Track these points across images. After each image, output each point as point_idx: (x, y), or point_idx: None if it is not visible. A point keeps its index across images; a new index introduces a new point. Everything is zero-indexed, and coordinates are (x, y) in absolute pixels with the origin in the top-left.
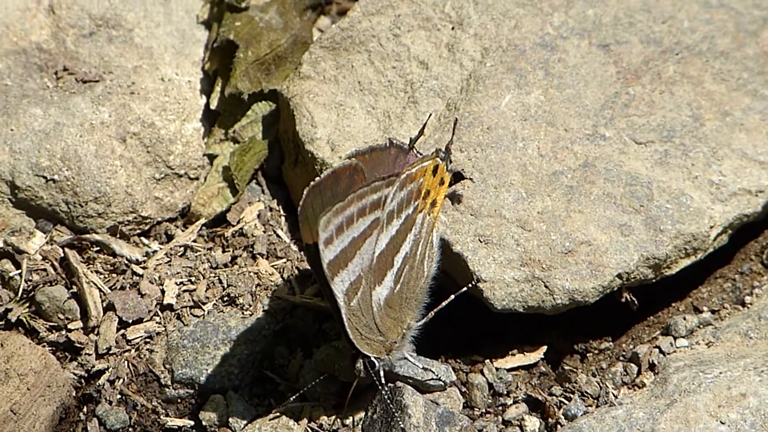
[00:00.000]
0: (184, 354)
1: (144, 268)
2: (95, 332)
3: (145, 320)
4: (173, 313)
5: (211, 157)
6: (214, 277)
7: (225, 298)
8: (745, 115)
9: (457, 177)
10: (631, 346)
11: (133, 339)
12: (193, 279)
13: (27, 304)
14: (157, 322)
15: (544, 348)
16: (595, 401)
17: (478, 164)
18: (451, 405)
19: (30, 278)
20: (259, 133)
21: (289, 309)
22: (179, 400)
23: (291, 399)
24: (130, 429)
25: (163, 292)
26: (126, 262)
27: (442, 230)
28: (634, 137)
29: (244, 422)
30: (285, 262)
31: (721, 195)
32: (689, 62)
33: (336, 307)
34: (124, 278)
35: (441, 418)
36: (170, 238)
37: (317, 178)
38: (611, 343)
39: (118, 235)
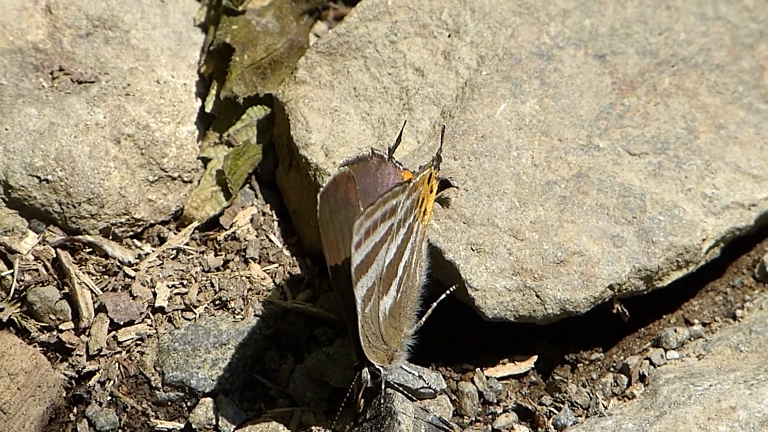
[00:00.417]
0: (175, 357)
1: (136, 270)
2: (86, 333)
3: (136, 322)
4: (164, 316)
5: (205, 161)
6: (206, 280)
7: (217, 302)
8: (740, 129)
9: (445, 184)
10: (622, 358)
11: (124, 341)
12: (185, 282)
13: (18, 304)
14: (148, 325)
15: (535, 357)
16: (585, 411)
17: (471, 172)
18: (441, 413)
19: (22, 278)
20: (253, 137)
21: (281, 314)
22: (169, 403)
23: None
24: (120, 431)
25: (154, 294)
26: (118, 263)
27: (434, 238)
28: (628, 148)
29: (234, 426)
30: (277, 267)
31: (714, 208)
32: (685, 74)
33: (353, 314)
34: (116, 280)
35: (431, 426)
36: (163, 240)
37: (323, 186)
38: (602, 354)
39: (110, 237)
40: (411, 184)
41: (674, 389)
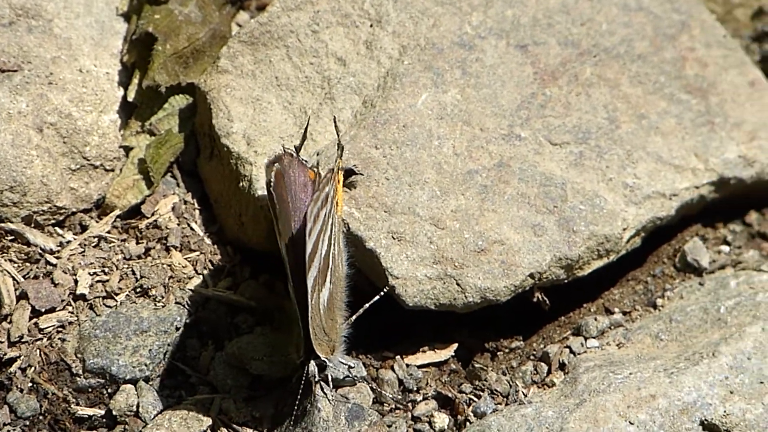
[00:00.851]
0: (96, 344)
1: (58, 257)
2: (8, 320)
3: (57, 309)
4: (86, 303)
5: (127, 149)
6: (128, 268)
7: (138, 290)
8: (661, 119)
9: (349, 173)
10: (542, 346)
11: (46, 328)
12: (106, 270)
13: None
14: (69, 312)
15: (455, 345)
16: (505, 399)
17: (393, 161)
18: (360, 400)
19: None
20: (175, 126)
21: (202, 302)
22: (90, 390)
23: None
24: (41, 417)
25: (76, 282)
26: (40, 251)
27: (355, 226)
28: (549, 138)
29: (155, 412)
30: (198, 255)
31: (635, 197)
32: (606, 65)
33: (304, 305)
34: (37, 267)
35: (350, 413)
36: (84, 228)
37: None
38: (522, 342)
39: (32, 225)
40: (331, 174)
41: (594, 377)
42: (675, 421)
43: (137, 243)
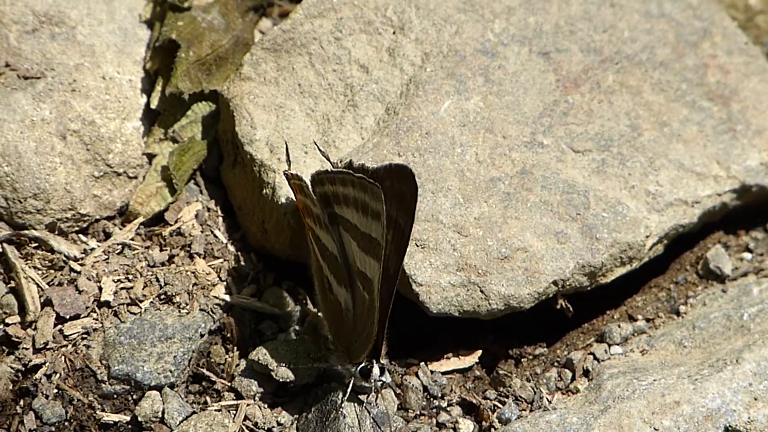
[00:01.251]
0: (121, 350)
1: (82, 264)
2: (33, 327)
3: (82, 316)
4: (110, 310)
5: (150, 157)
6: (152, 275)
7: (162, 297)
8: (683, 126)
9: None
10: (566, 353)
11: (71, 334)
12: (130, 277)
13: None
14: (94, 319)
15: (479, 352)
16: (529, 406)
17: (416, 169)
18: (385, 406)
19: None
20: (198, 133)
21: (226, 308)
22: (115, 396)
23: None
24: (67, 423)
25: (100, 289)
26: (64, 258)
27: None
28: (571, 145)
29: (180, 419)
30: (222, 262)
31: (658, 205)
32: (629, 72)
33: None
34: (62, 274)
35: (376, 419)
36: (108, 235)
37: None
38: (546, 349)
39: (56, 232)
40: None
41: (618, 384)
42: (699, 428)
43: (161, 250)
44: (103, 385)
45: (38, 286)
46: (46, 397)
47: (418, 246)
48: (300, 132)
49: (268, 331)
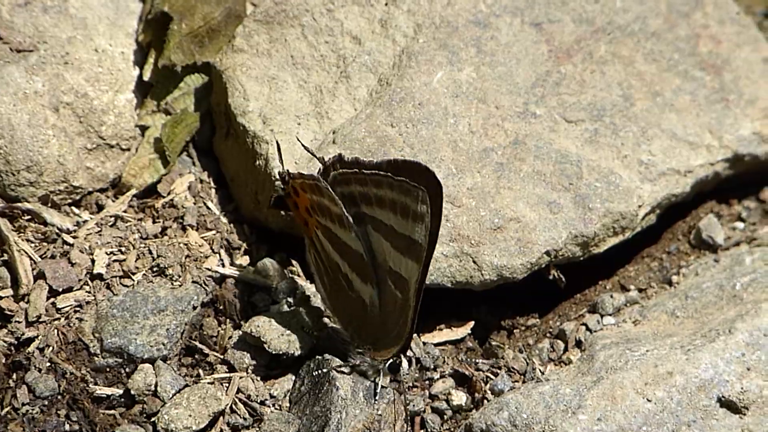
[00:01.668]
0: (114, 323)
1: (75, 237)
2: (25, 300)
3: (75, 289)
4: (103, 283)
5: (143, 129)
6: (144, 247)
7: (155, 269)
8: (676, 96)
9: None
10: (558, 323)
11: (63, 307)
12: (123, 249)
13: None
14: (86, 291)
15: (472, 323)
16: (522, 377)
17: (409, 139)
18: (378, 378)
19: None
20: (191, 105)
21: (219, 280)
22: (108, 369)
23: None
24: (59, 397)
25: (93, 261)
26: (57, 231)
27: None
28: (564, 116)
29: (173, 391)
30: (214, 234)
31: (650, 174)
32: (621, 42)
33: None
34: (54, 247)
35: (369, 391)
36: (101, 208)
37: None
38: (538, 320)
39: (49, 204)
40: None
41: (611, 354)
42: (692, 398)
43: (154, 222)
44: (96, 358)
45: (31, 258)
46: (39, 370)
47: None
48: (293, 103)
49: (261, 303)
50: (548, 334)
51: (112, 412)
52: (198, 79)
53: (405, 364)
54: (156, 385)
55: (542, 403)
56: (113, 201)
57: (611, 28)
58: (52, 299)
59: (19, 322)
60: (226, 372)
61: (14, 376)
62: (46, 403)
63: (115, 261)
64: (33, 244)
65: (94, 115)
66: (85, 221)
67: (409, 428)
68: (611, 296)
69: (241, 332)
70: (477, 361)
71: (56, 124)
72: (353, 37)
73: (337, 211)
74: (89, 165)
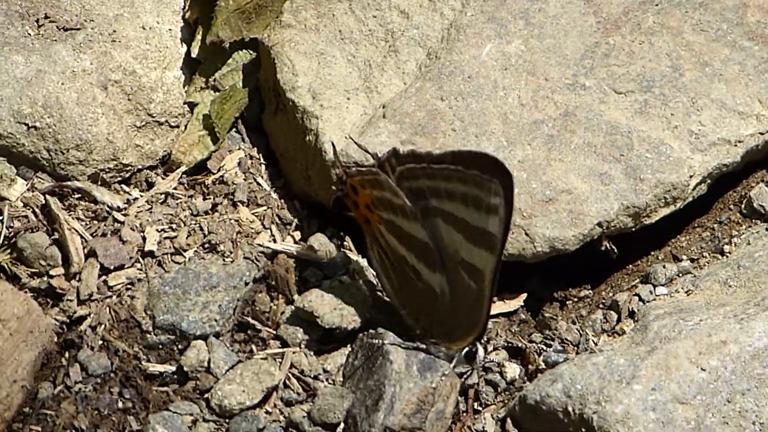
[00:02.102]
0: (166, 300)
1: (125, 215)
2: (77, 278)
3: (126, 267)
4: (154, 260)
5: (192, 106)
6: (195, 224)
7: (206, 245)
8: (724, 66)
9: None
10: (611, 294)
11: (115, 285)
12: (173, 226)
13: (9, 251)
14: (138, 269)
15: (524, 296)
16: (575, 348)
17: (459, 113)
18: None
19: (11, 225)
20: (239, 81)
21: (270, 256)
22: (161, 346)
23: None
24: (112, 374)
25: (144, 239)
26: (107, 209)
27: None
28: (614, 87)
29: (226, 368)
30: (265, 210)
31: (701, 145)
32: (669, 13)
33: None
34: (105, 225)
35: (422, 364)
36: (151, 185)
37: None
38: (591, 291)
39: (99, 183)
40: None
41: (664, 324)
42: (746, 367)
43: (204, 199)
44: (148, 335)
45: (82, 237)
46: (92, 348)
47: None
48: (342, 78)
49: (313, 278)
50: (601, 305)
51: (165, 389)
52: (246, 56)
53: (481, 351)
54: (209, 362)
55: (596, 374)
56: (163, 178)
57: None
58: (103, 277)
59: (71, 301)
60: (279, 347)
61: (66, 355)
62: (99, 381)
63: (166, 238)
64: (83, 223)
65: (142, 93)
66: (135, 199)
67: (463, 401)
68: (663, 267)
69: (293, 307)
70: (530, 332)
71: (105, 102)
72: (401, 11)
73: (400, 203)
74: (138, 142)
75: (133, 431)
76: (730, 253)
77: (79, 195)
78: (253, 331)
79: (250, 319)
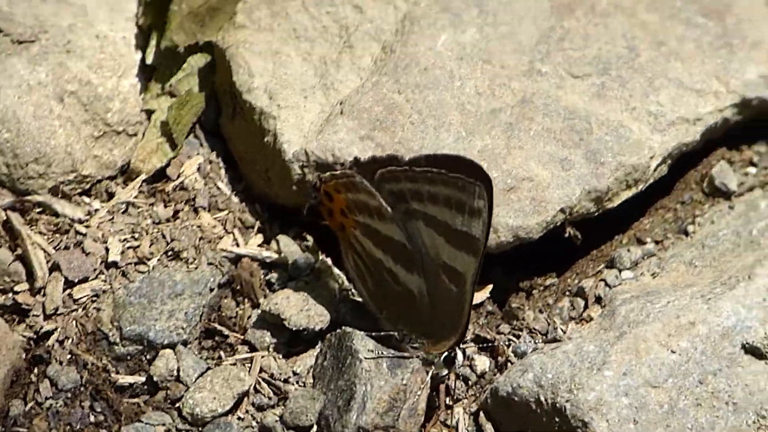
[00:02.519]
0: (132, 311)
1: (87, 226)
2: (42, 293)
3: (90, 279)
4: (118, 271)
5: (149, 113)
6: (157, 232)
7: (169, 253)
8: (680, 44)
9: None
10: (577, 281)
11: (80, 298)
12: (136, 235)
13: None
14: (102, 280)
15: (490, 287)
16: (544, 337)
17: (416, 105)
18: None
19: None
20: (195, 86)
21: (234, 260)
22: (129, 357)
23: None
24: (82, 388)
25: (107, 249)
26: (69, 221)
27: None
28: (570, 71)
29: (196, 375)
30: (227, 214)
31: (660, 125)
32: None
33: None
34: (67, 238)
35: (392, 362)
36: (111, 195)
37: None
38: (556, 279)
39: (59, 195)
40: None
41: (632, 309)
42: (716, 347)
43: (165, 206)
44: (116, 347)
45: (45, 251)
46: (60, 363)
47: None
48: (298, 77)
49: (278, 280)
50: (567, 293)
51: (136, 400)
52: (201, 59)
53: (460, 356)
54: (178, 370)
55: (567, 362)
56: (123, 188)
57: None
58: (68, 290)
59: (36, 316)
60: (247, 352)
61: (36, 371)
62: (70, 395)
63: (129, 248)
64: (46, 237)
65: (99, 103)
66: (96, 210)
67: (435, 396)
68: (628, 250)
69: (259, 311)
70: (498, 324)
71: (62, 114)
72: (354, 5)
73: (376, 204)
74: (97, 153)
75: None
76: (694, 233)
77: (41, 209)
78: (221, 337)
79: (216, 325)
